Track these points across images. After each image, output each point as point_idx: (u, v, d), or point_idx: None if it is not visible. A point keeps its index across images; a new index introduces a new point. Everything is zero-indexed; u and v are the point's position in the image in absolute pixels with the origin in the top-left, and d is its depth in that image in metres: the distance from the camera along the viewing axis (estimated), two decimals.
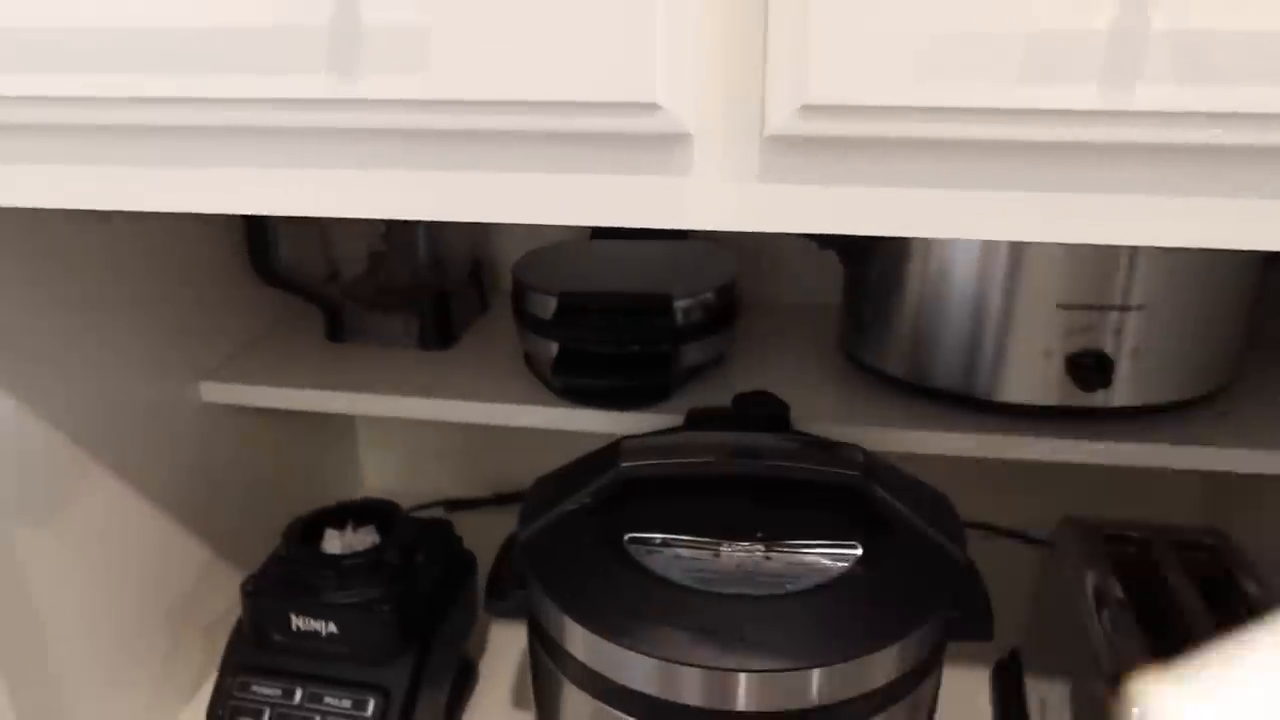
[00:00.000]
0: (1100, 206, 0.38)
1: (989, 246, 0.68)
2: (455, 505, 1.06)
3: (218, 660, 0.72)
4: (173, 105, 0.42)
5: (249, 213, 0.45)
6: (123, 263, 0.71)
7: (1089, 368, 0.67)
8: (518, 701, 0.83)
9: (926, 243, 0.70)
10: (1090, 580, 0.68)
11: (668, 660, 0.51)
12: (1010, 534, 1.03)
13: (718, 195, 0.40)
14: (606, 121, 0.39)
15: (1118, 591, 0.66)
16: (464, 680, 0.82)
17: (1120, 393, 0.69)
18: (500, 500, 1.08)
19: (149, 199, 0.46)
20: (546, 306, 0.76)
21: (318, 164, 0.43)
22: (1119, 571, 0.69)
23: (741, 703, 0.51)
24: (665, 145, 0.39)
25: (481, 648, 0.89)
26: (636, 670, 0.52)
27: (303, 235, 0.86)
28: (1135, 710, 0.58)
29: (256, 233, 0.80)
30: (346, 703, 0.68)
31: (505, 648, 0.89)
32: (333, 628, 0.69)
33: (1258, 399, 0.75)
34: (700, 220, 0.40)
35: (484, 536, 0.82)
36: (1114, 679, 0.60)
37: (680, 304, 0.75)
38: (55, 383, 0.65)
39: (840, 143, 0.38)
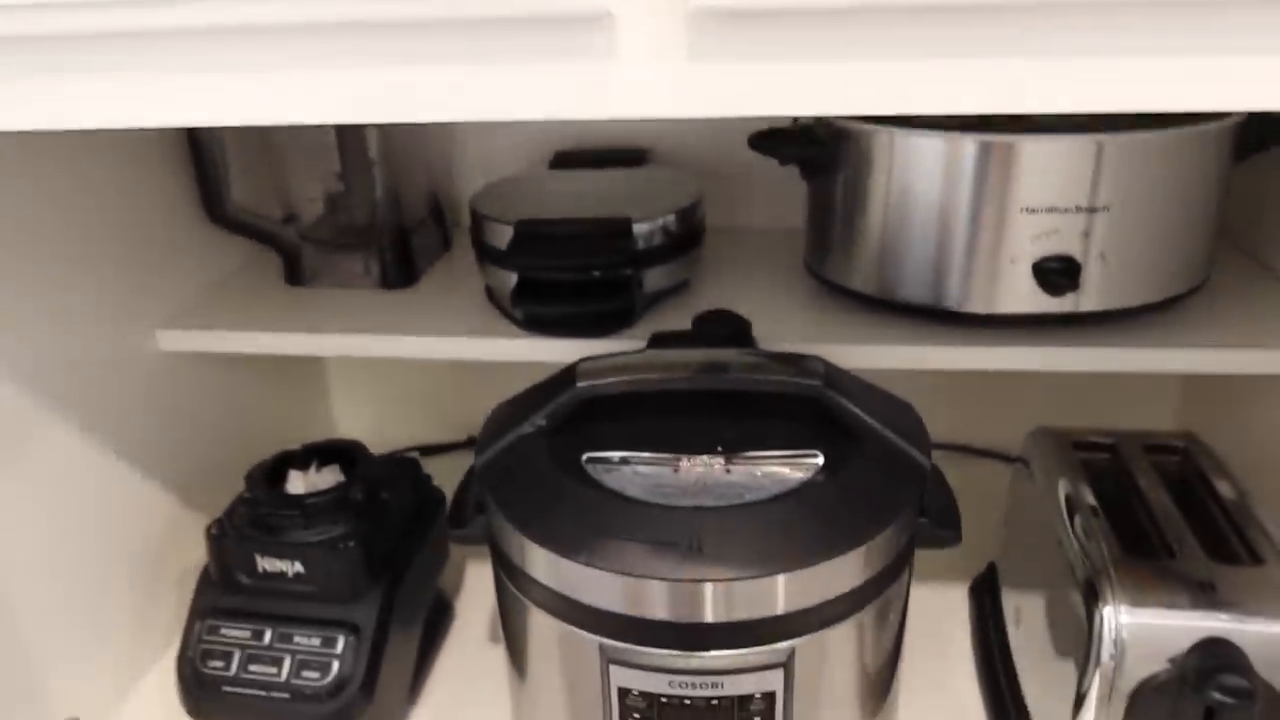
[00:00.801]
0: (1044, 71, 0.37)
1: (953, 153, 0.66)
2: (428, 450, 1.05)
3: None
4: (91, 9, 0.40)
5: (163, 124, 0.43)
6: (71, 209, 0.70)
7: (1056, 273, 0.66)
8: (495, 638, 0.83)
9: (889, 153, 0.68)
10: (1062, 488, 0.68)
11: (629, 575, 0.50)
12: (984, 453, 1.02)
13: (646, 79, 0.38)
14: (524, 4, 0.37)
15: (1089, 498, 0.66)
16: (439, 618, 0.82)
17: (1089, 298, 0.68)
18: (473, 443, 1.06)
19: (73, 116, 0.44)
20: (503, 236, 0.74)
21: (232, 68, 0.41)
22: (1091, 478, 0.68)
23: (708, 614, 0.50)
24: (586, 26, 0.37)
25: (458, 587, 0.89)
26: (599, 588, 0.52)
27: (255, 176, 0.84)
28: (1106, 610, 0.58)
29: (205, 174, 0.78)
30: (316, 641, 0.67)
31: (482, 587, 0.89)
32: (299, 567, 0.68)
33: (1228, 299, 0.74)
34: (629, 107, 0.39)
35: (457, 479, 0.81)
36: (1086, 584, 0.60)
37: (640, 227, 0.73)
38: (5, 334, 0.64)
39: (769, 14, 0.36)
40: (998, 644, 0.76)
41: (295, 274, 0.86)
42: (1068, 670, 0.61)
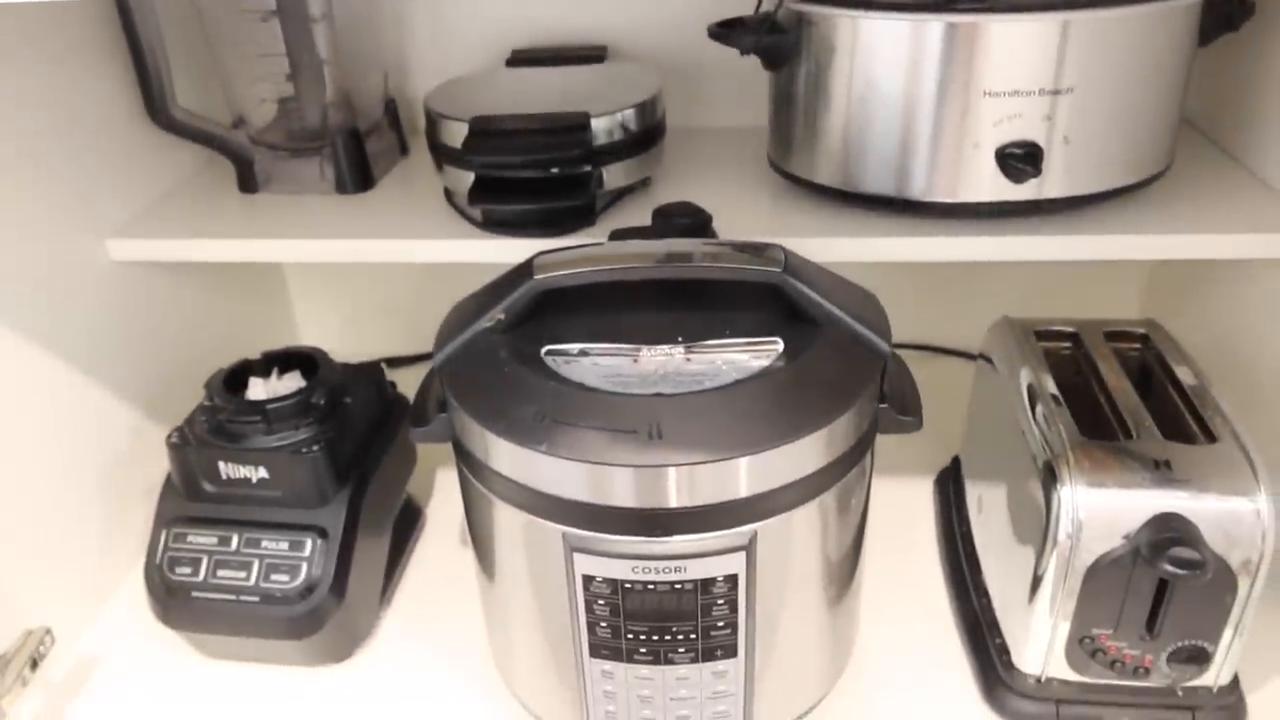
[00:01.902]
0: None
1: (915, 35, 0.64)
2: (394, 362, 1.04)
3: None
4: None
5: None
6: (7, 115, 0.67)
7: (1019, 159, 0.65)
8: (466, 543, 0.83)
9: (851, 38, 0.67)
10: (1024, 378, 0.68)
11: (590, 463, 0.50)
12: (949, 351, 1.03)
13: None
14: None
15: (1051, 386, 0.66)
16: (409, 524, 0.82)
17: (1052, 184, 0.67)
18: None
19: None
20: (458, 134, 0.72)
21: None
22: (1052, 367, 0.69)
23: (669, 499, 0.51)
24: None
25: (429, 494, 0.89)
26: (560, 477, 0.51)
27: (200, 78, 0.81)
28: (1064, 491, 0.58)
29: (148, 76, 0.75)
30: (284, 545, 0.67)
31: (452, 493, 0.89)
32: (263, 473, 0.67)
33: (1192, 185, 0.74)
34: None
35: None
36: (1045, 467, 0.60)
37: (599, 122, 0.71)
38: None
39: None
40: (960, 533, 0.77)
41: (248, 180, 0.84)
42: (1027, 554, 0.62)
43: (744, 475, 0.51)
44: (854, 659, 0.68)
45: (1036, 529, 0.61)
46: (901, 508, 0.84)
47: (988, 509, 0.73)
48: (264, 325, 1.03)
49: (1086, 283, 0.98)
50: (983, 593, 0.71)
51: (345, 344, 1.05)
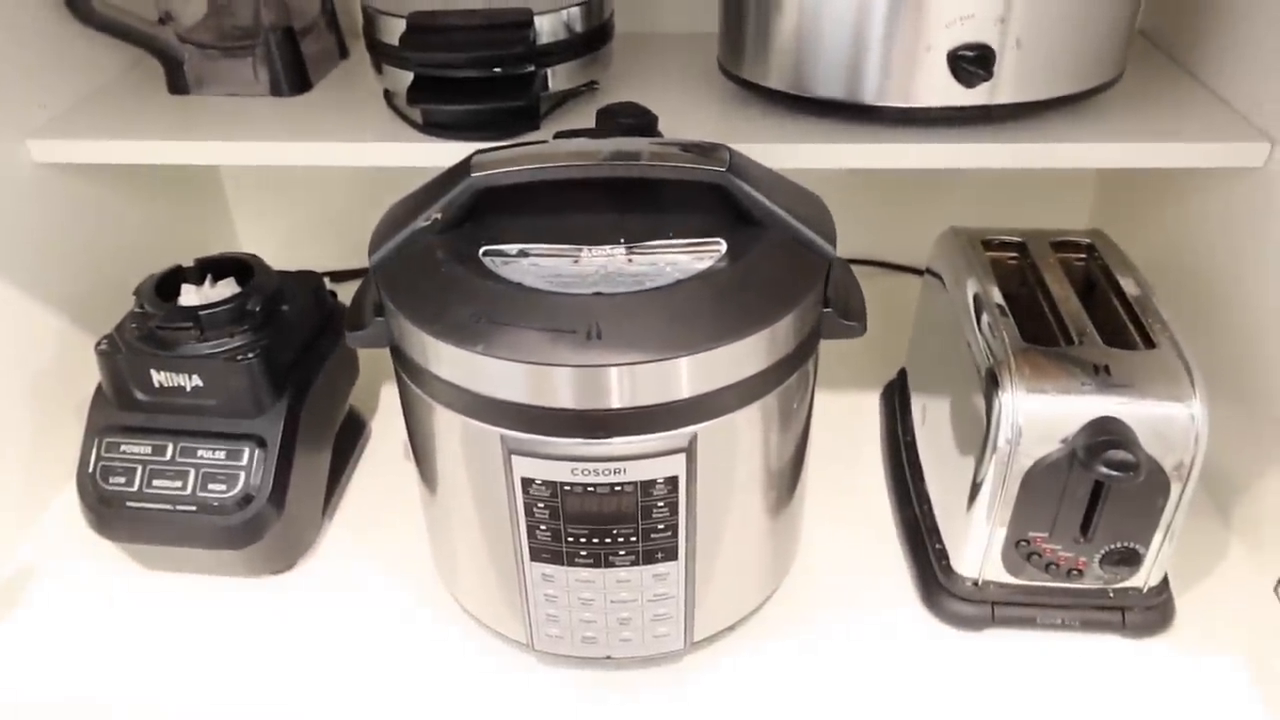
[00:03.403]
0: None
1: None
2: (337, 276, 1.01)
3: None
4: None
5: None
6: None
7: (971, 60, 0.64)
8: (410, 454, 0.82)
9: None
10: (970, 288, 0.68)
11: (527, 363, 0.49)
12: (897, 267, 1.03)
13: None
14: None
15: (996, 296, 0.66)
16: (353, 437, 0.81)
17: (1004, 90, 0.66)
18: None
19: None
20: (396, 31, 0.69)
21: None
22: (999, 277, 0.68)
23: (609, 400, 0.50)
24: None
25: (373, 408, 0.88)
26: (498, 379, 0.50)
27: None
28: (1004, 396, 0.59)
29: None
30: (221, 454, 0.66)
31: (397, 405, 0.87)
32: (197, 380, 0.66)
33: (1143, 94, 0.74)
34: None
35: None
36: (988, 374, 0.60)
37: (543, 20, 0.69)
38: None
39: None
40: (905, 442, 0.78)
41: (177, 81, 0.80)
42: (968, 461, 0.63)
43: (684, 376, 0.50)
44: (796, 565, 0.68)
45: (977, 436, 0.61)
46: (848, 420, 0.84)
47: (931, 419, 0.73)
48: (201, 236, 1.00)
49: (1035, 195, 0.98)
50: (924, 500, 0.72)
51: (287, 256, 1.02)
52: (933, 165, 0.69)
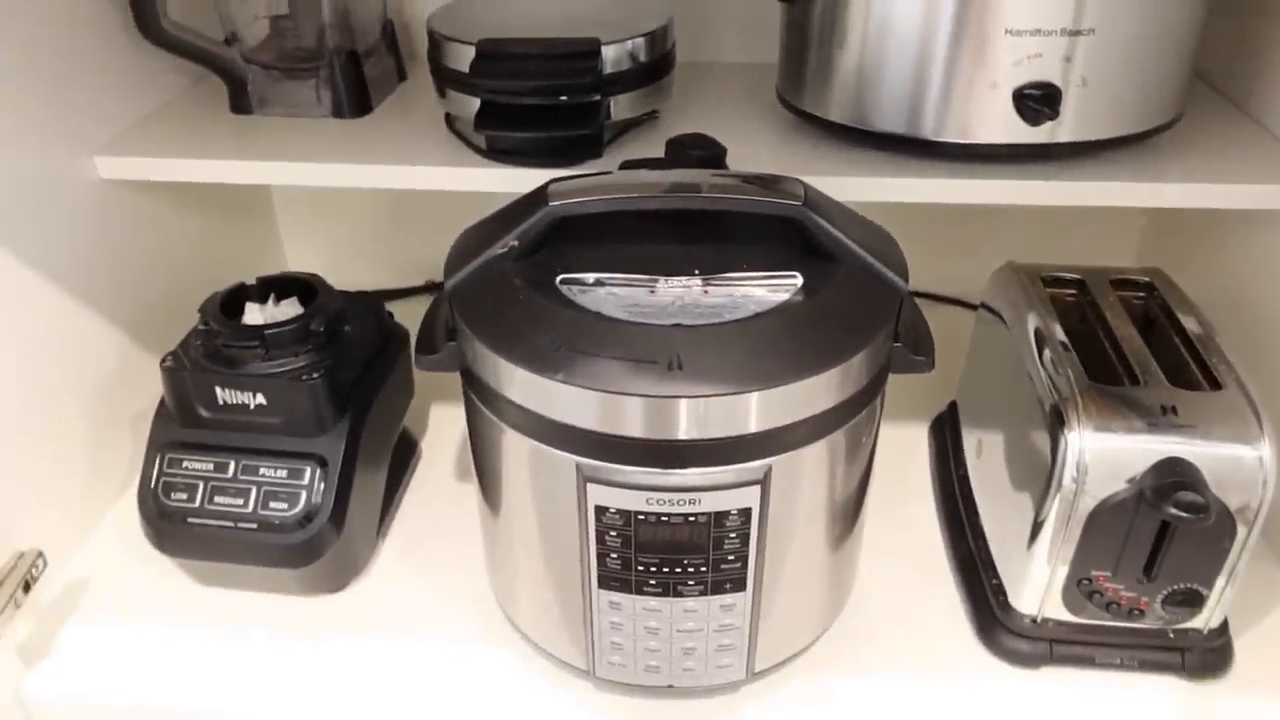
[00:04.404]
0: None
1: None
2: (386, 296, 1.02)
3: None
4: None
5: None
6: None
7: (1036, 99, 0.65)
8: (460, 475, 0.83)
9: None
10: (1031, 322, 0.68)
11: (609, 392, 0.49)
12: (945, 299, 1.03)
13: None
14: None
15: (1059, 332, 0.66)
16: (405, 457, 0.82)
17: (1066, 128, 0.67)
18: (432, 288, 1.05)
19: None
20: (465, 57, 0.70)
21: None
22: (1059, 313, 0.69)
23: (688, 431, 0.50)
24: None
25: (423, 428, 0.88)
26: (577, 407, 0.51)
27: None
28: (1071, 435, 0.59)
29: None
30: (283, 472, 0.66)
31: (446, 427, 0.88)
32: (261, 399, 0.66)
33: (1202, 135, 0.74)
34: None
35: (417, 324, 0.79)
36: (1052, 411, 0.60)
37: (609, 49, 0.70)
38: None
39: None
40: (957, 475, 0.78)
41: (240, 101, 0.81)
42: (1027, 499, 0.63)
43: (762, 409, 0.50)
44: (852, 597, 0.68)
45: (1040, 473, 0.61)
46: (896, 452, 0.84)
47: (987, 453, 0.73)
48: (250, 252, 1.00)
49: (1081, 231, 0.98)
50: (979, 535, 0.72)
51: (332, 274, 1.03)
52: (990, 201, 0.70)
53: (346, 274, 1.03)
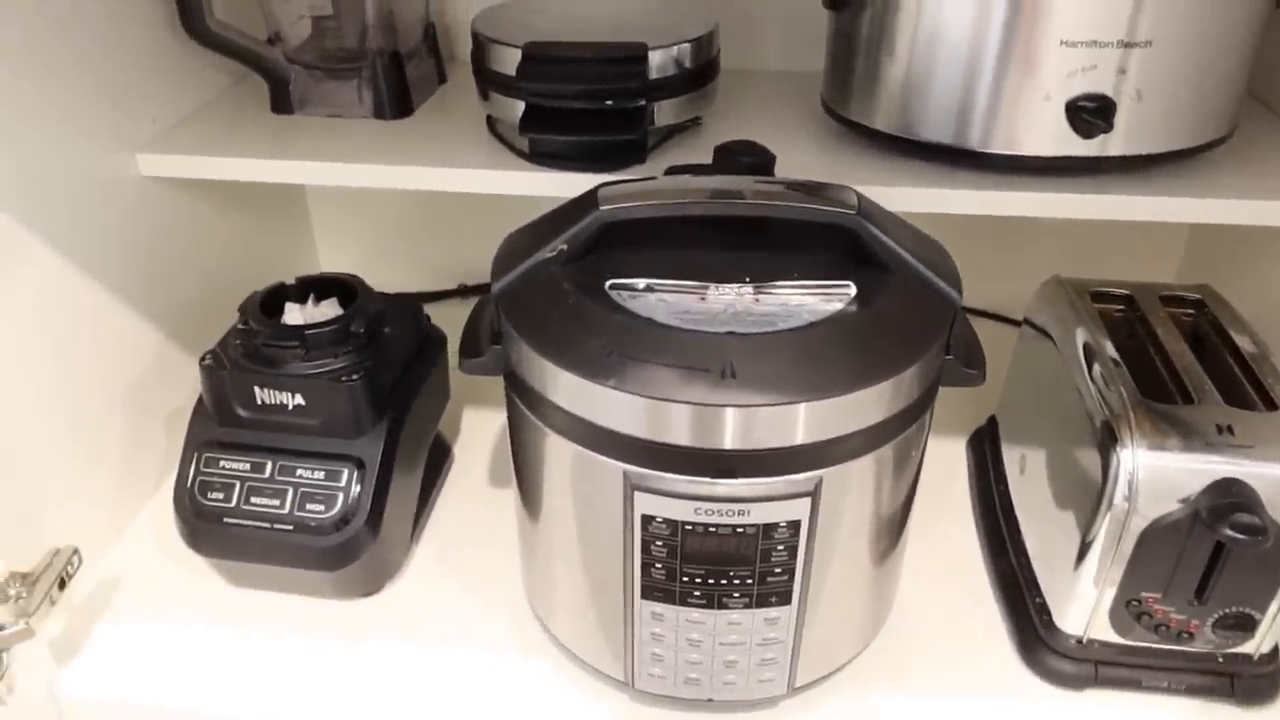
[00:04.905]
0: None
1: None
2: (419, 299, 1.02)
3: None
4: None
5: None
6: (39, 18, 0.64)
7: (1090, 112, 0.64)
8: (494, 480, 0.82)
9: None
10: (1079, 337, 0.67)
11: (660, 400, 0.49)
12: (984, 314, 1.02)
13: None
14: None
15: (1109, 347, 0.65)
16: (439, 460, 0.81)
17: (1116, 142, 0.66)
18: (466, 292, 1.04)
19: None
20: (510, 60, 0.70)
21: None
22: (1107, 328, 0.67)
23: (739, 441, 0.49)
24: None
25: (454, 432, 0.87)
26: (627, 414, 0.50)
27: None
28: (1124, 452, 0.58)
29: None
30: (320, 474, 0.66)
31: (478, 432, 0.88)
32: (299, 400, 0.66)
33: (1255, 152, 0.73)
34: None
35: (450, 326, 0.78)
36: (1104, 427, 0.59)
37: (655, 55, 0.69)
38: None
39: None
40: (998, 492, 0.77)
41: (282, 100, 0.81)
42: (1074, 517, 0.62)
43: (815, 420, 0.49)
44: (892, 613, 0.67)
45: (1088, 491, 0.60)
46: (933, 466, 0.83)
47: (1031, 470, 0.72)
48: (284, 251, 1.00)
49: (1122, 246, 0.97)
50: (1021, 552, 0.70)
51: (363, 275, 1.03)
52: (1038, 214, 0.69)
53: (378, 275, 1.02)
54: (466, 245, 1.01)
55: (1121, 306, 0.71)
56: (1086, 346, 0.66)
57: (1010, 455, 0.77)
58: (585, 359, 0.50)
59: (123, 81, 0.73)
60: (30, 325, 0.65)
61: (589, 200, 0.56)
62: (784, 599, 0.55)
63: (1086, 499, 0.60)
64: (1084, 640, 0.63)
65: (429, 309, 0.80)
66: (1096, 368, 0.64)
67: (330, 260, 1.07)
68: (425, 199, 1.01)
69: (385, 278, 1.01)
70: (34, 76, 0.64)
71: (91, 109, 0.69)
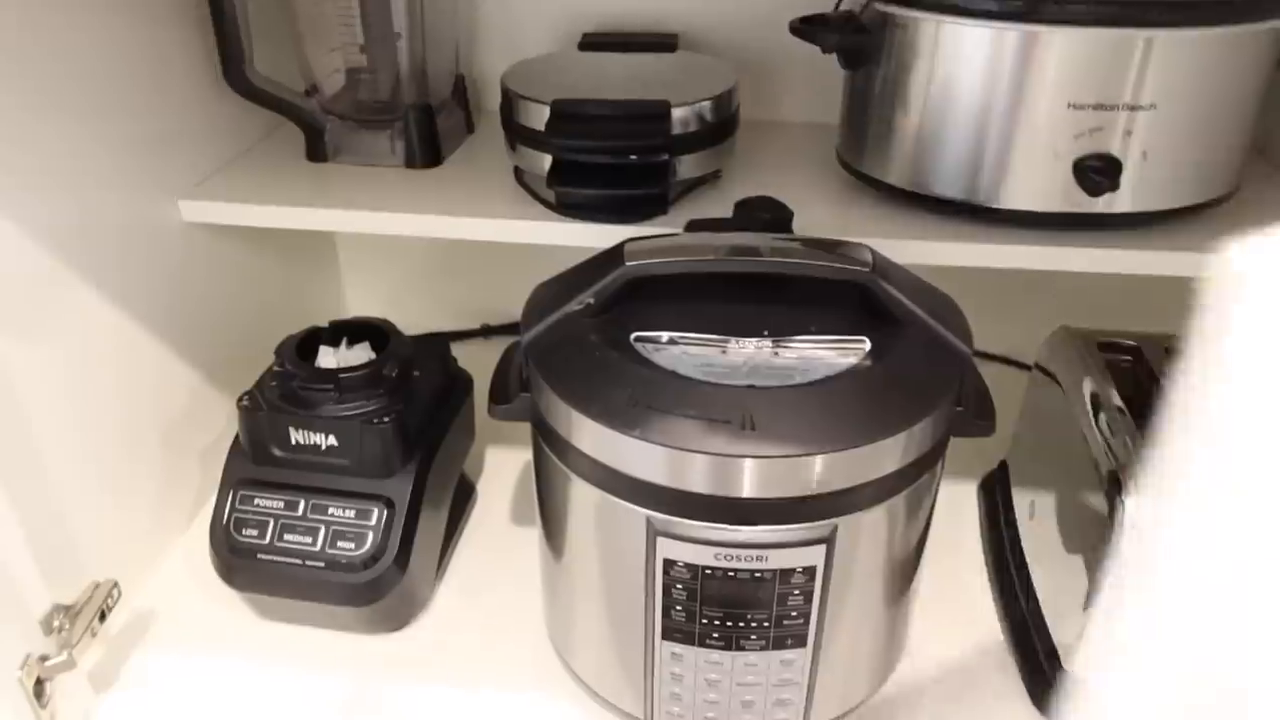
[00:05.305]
0: None
1: (1000, 43, 0.65)
2: (444, 338, 1.04)
3: (214, 486, 0.72)
4: None
5: None
6: (91, 68, 0.67)
7: (1097, 171, 0.66)
8: (516, 519, 0.84)
9: (934, 42, 0.67)
10: (1086, 387, 0.69)
11: (684, 450, 0.51)
12: (995, 358, 1.04)
13: None
14: None
15: (1115, 397, 0.67)
16: (463, 499, 0.83)
17: (1123, 199, 0.68)
18: (489, 332, 1.07)
19: None
20: (539, 116, 0.73)
21: None
22: (1115, 378, 0.69)
23: (760, 489, 0.51)
24: None
25: (479, 471, 0.90)
26: (651, 463, 0.52)
27: (277, 44, 0.81)
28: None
29: (227, 39, 0.75)
30: (350, 513, 0.68)
31: (501, 471, 0.90)
32: (332, 440, 0.68)
33: (1260, 208, 0.75)
34: None
35: (474, 366, 0.81)
36: (1110, 476, 0.61)
37: (678, 111, 0.72)
38: (30, 194, 0.62)
39: None
40: (1009, 539, 0.78)
41: (317, 149, 0.84)
42: (1083, 562, 0.63)
43: (831, 470, 0.52)
44: (905, 656, 0.69)
45: (1096, 537, 0.62)
46: (945, 509, 0.84)
47: (1041, 515, 0.74)
48: (312, 292, 1.03)
49: (1131, 297, 0.99)
50: (1031, 596, 0.72)
51: (389, 315, 1.06)
52: (1045, 268, 0.71)
53: (403, 314, 1.05)
54: (490, 287, 1.04)
55: (1129, 358, 0.73)
56: (1093, 395, 0.68)
57: (1020, 500, 0.79)
58: (611, 409, 0.53)
59: (167, 131, 0.76)
60: (74, 365, 0.68)
61: (615, 256, 0.59)
62: (799, 642, 0.57)
63: (1094, 546, 0.62)
64: None
65: (453, 348, 0.83)
66: (1103, 417, 0.66)
67: (356, 298, 1.10)
68: (449, 243, 1.04)
69: (410, 317, 1.04)
70: (88, 126, 0.67)
71: (137, 157, 0.73)
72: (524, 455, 0.63)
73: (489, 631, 0.73)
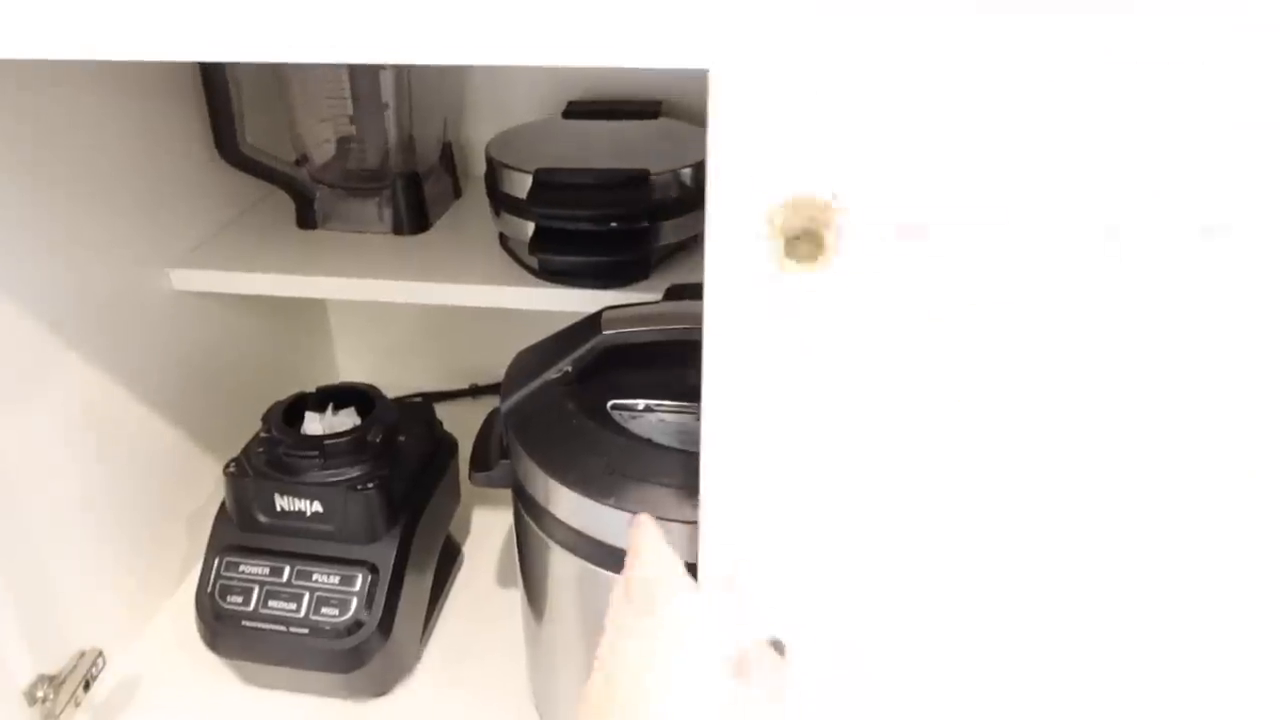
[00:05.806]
0: None
1: None
2: (431, 398, 1.05)
3: (200, 551, 0.72)
4: None
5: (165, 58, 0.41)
6: (85, 142, 0.69)
7: None
8: (502, 581, 0.84)
9: None
10: None
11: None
12: None
13: None
14: None
15: None
16: (449, 562, 0.84)
17: None
18: (476, 392, 1.08)
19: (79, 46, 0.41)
20: (522, 184, 0.74)
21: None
22: None
23: None
24: None
25: (465, 532, 0.90)
26: (622, 528, 0.53)
27: (268, 116, 0.84)
28: None
29: (218, 111, 0.78)
30: (335, 579, 0.69)
31: (488, 532, 0.90)
32: (317, 507, 0.69)
33: None
34: None
35: (461, 426, 0.82)
36: None
37: (658, 178, 0.74)
38: (23, 265, 0.64)
39: None
40: None
41: (307, 216, 0.86)
42: None
43: None
44: None
45: None
46: None
47: None
48: (305, 357, 1.04)
49: None
50: None
51: (382, 377, 1.07)
52: None
53: (394, 376, 1.07)
54: (478, 348, 1.05)
55: None
56: None
57: None
58: (587, 477, 0.53)
59: (159, 201, 0.78)
60: (60, 431, 0.68)
61: (593, 324, 0.60)
62: None
63: None
64: None
65: (440, 408, 0.84)
66: None
67: (347, 361, 1.11)
68: (439, 306, 1.06)
69: (401, 377, 1.05)
70: (82, 198, 0.69)
71: (130, 227, 0.74)
72: (511, 517, 0.64)
73: (473, 696, 0.73)
